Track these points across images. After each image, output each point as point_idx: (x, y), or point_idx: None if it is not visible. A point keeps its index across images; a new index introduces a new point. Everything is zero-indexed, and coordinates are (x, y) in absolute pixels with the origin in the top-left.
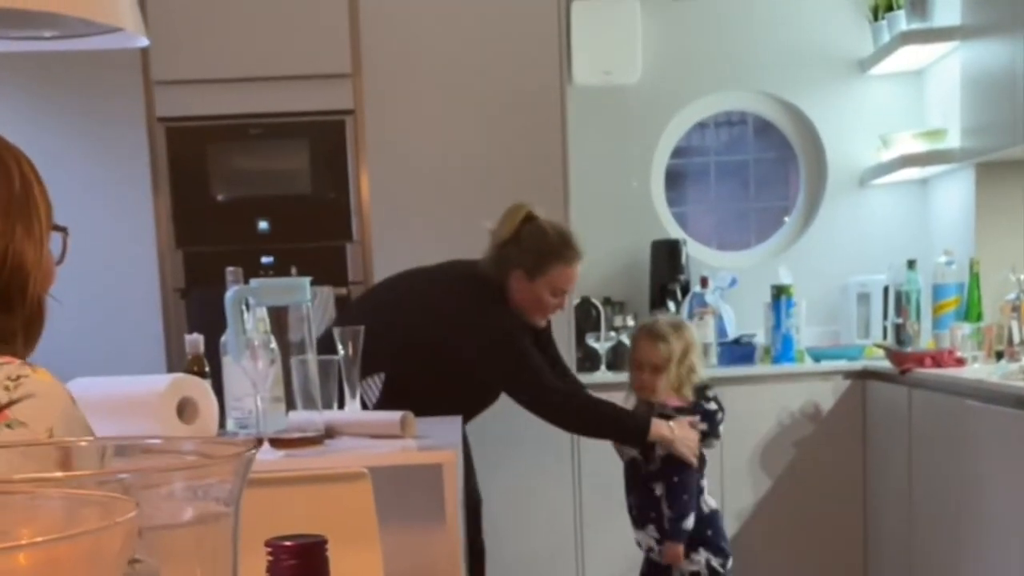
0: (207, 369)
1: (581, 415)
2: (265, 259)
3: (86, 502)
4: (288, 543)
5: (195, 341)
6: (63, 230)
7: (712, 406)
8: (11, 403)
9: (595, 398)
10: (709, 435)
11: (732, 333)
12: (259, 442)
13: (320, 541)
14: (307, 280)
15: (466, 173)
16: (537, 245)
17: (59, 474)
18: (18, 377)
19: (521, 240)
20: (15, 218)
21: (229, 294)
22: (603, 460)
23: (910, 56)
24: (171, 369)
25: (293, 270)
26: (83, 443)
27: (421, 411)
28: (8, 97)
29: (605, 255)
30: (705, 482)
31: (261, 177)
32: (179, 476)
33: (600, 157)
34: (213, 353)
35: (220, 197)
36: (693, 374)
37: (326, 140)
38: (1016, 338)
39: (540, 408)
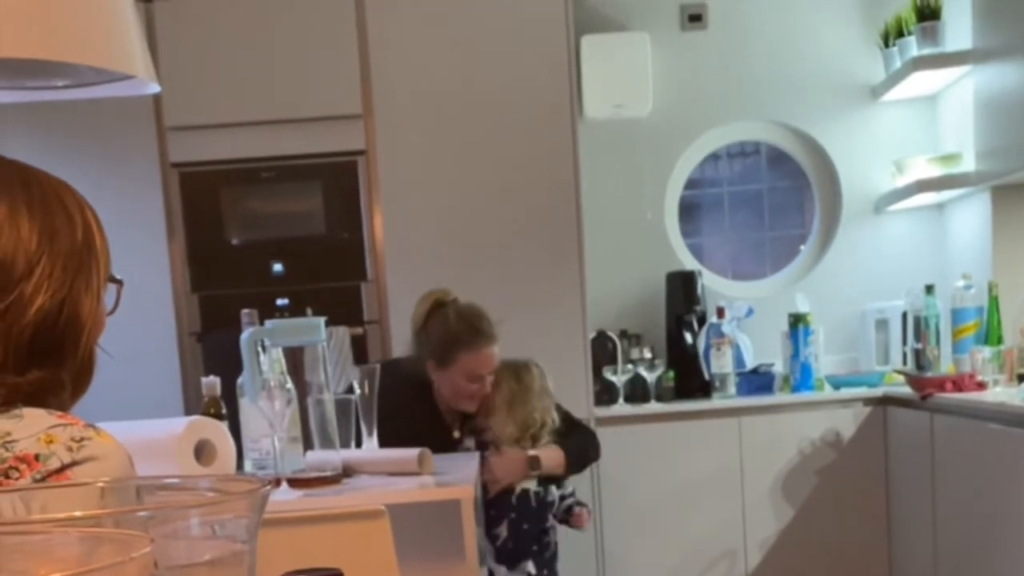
0: (224, 411)
1: None
2: (280, 301)
3: (103, 540)
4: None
5: (212, 383)
6: (119, 282)
7: None
8: (73, 463)
9: None
10: None
11: (750, 363)
12: (277, 482)
13: (336, 573)
14: (322, 320)
15: (479, 210)
16: (441, 335)
17: (77, 513)
18: (82, 439)
19: (428, 330)
20: (75, 270)
21: (244, 335)
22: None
23: (922, 81)
24: (188, 412)
25: (308, 311)
26: (101, 484)
27: None
28: (22, 146)
29: (620, 288)
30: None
31: (274, 219)
32: (196, 513)
33: (613, 190)
34: (230, 395)
35: (234, 240)
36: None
37: (339, 181)
38: None
39: None
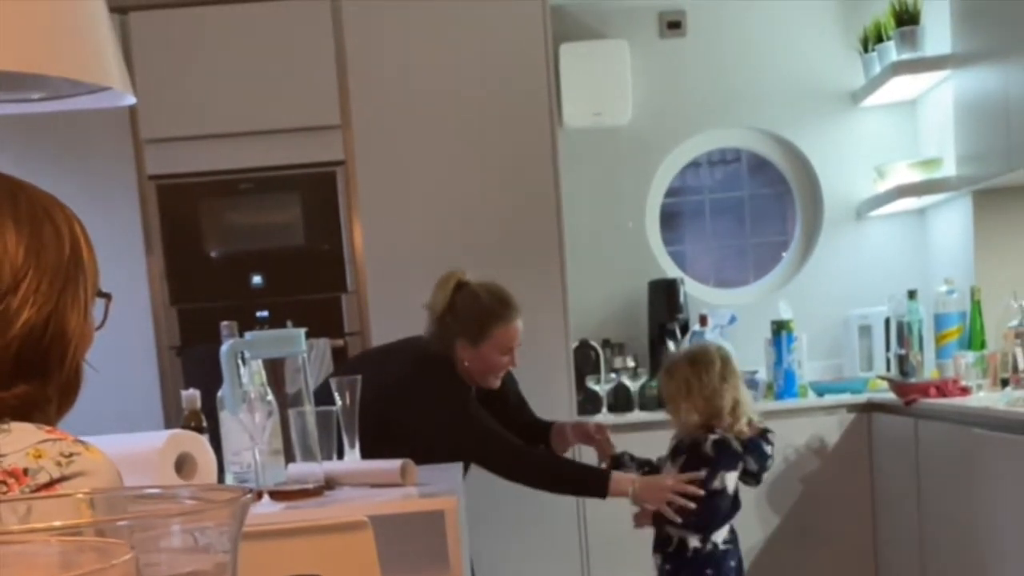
0: (205, 424)
1: (542, 471)
2: (260, 313)
3: (83, 548)
4: None
5: (191, 396)
6: (107, 296)
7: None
8: (62, 479)
9: (552, 455)
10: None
11: None
12: (259, 495)
13: None
14: (302, 331)
15: (459, 220)
16: (473, 311)
17: (57, 523)
18: (71, 454)
19: (457, 309)
20: (62, 284)
21: (224, 347)
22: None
23: (902, 86)
24: (168, 426)
25: (289, 324)
26: (81, 496)
27: None
28: None
29: (602, 297)
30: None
31: (253, 232)
32: (177, 522)
33: (594, 199)
34: (210, 409)
35: (213, 253)
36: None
37: (318, 192)
38: (1021, 365)
39: (498, 468)
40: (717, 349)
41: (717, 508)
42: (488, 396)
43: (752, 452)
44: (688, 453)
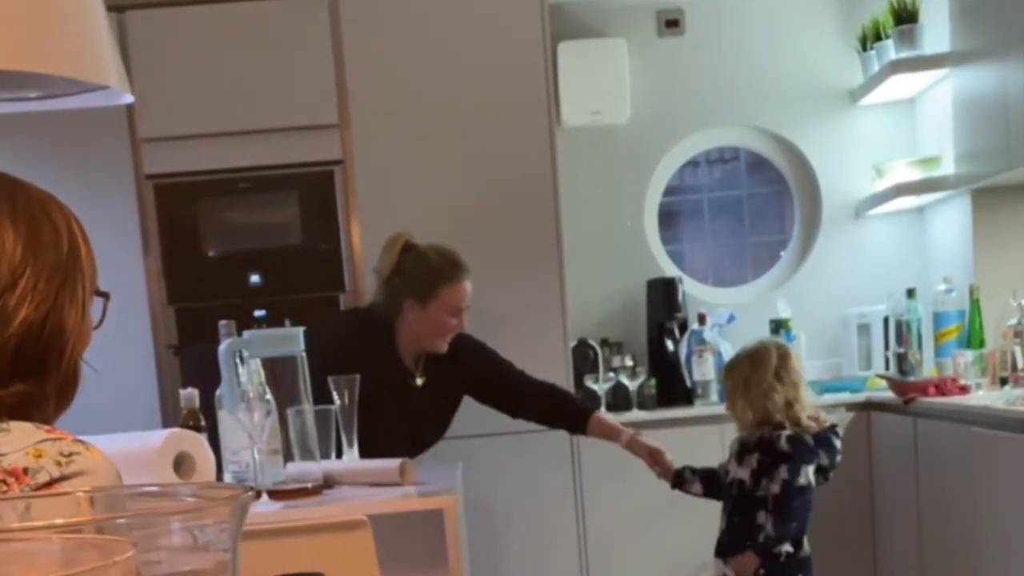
0: (203, 424)
1: None
2: (258, 312)
3: (84, 546)
4: None
5: (190, 396)
6: (105, 295)
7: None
8: (62, 478)
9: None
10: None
11: None
12: (257, 494)
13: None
14: (300, 330)
15: (457, 218)
16: (421, 271)
17: (59, 520)
18: (71, 454)
19: (404, 270)
20: (60, 283)
21: (222, 347)
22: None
23: (901, 85)
24: (167, 425)
25: (287, 322)
26: (81, 494)
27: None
28: None
29: (601, 296)
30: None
31: (251, 231)
32: (177, 519)
33: (592, 198)
34: (208, 409)
35: (211, 252)
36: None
37: (315, 191)
38: (1020, 363)
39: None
40: (777, 347)
41: (808, 504)
42: (492, 378)
43: (823, 446)
44: (761, 451)
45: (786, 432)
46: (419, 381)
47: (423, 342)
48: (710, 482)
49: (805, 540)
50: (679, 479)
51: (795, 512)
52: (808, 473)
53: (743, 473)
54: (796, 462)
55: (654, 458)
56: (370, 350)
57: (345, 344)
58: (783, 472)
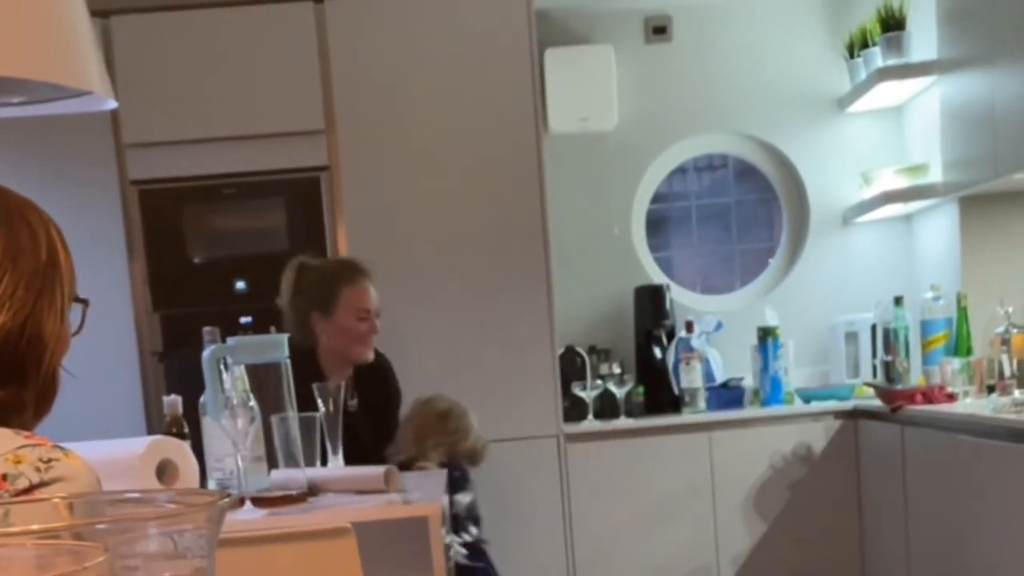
0: (186, 431)
1: None
2: (244, 319)
3: (59, 551)
4: None
5: (173, 402)
6: (84, 302)
7: None
8: (41, 484)
9: None
10: None
11: (720, 377)
12: (241, 501)
13: None
14: (284, 337)
15: (444, 226)
16: (318, 281)
17: (34, 526)
18: (50, 460)
19: (303, 287)
20: (38, 289)
21: (206, 353)
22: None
23: (888, 92)
24: (150, 432)
25: (272, 329)
26: (59, 499)
27: None
28: None
29: (588, 303)
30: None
31: (237, 237)
32: (154, 525)
33: (580, 205)
34: (192, 415)
35: (196, 259)
36: None
37: (301, 197)
38: (1007, 371)
39: None
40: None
41: None
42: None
43: None
44: None
45: None
46: (352, 404)
47: (345, 354)
48: None
49: None
50: None
51: None
52: None
53: None
54: None
55: None
56: (300, 383)
57: None
58: None
